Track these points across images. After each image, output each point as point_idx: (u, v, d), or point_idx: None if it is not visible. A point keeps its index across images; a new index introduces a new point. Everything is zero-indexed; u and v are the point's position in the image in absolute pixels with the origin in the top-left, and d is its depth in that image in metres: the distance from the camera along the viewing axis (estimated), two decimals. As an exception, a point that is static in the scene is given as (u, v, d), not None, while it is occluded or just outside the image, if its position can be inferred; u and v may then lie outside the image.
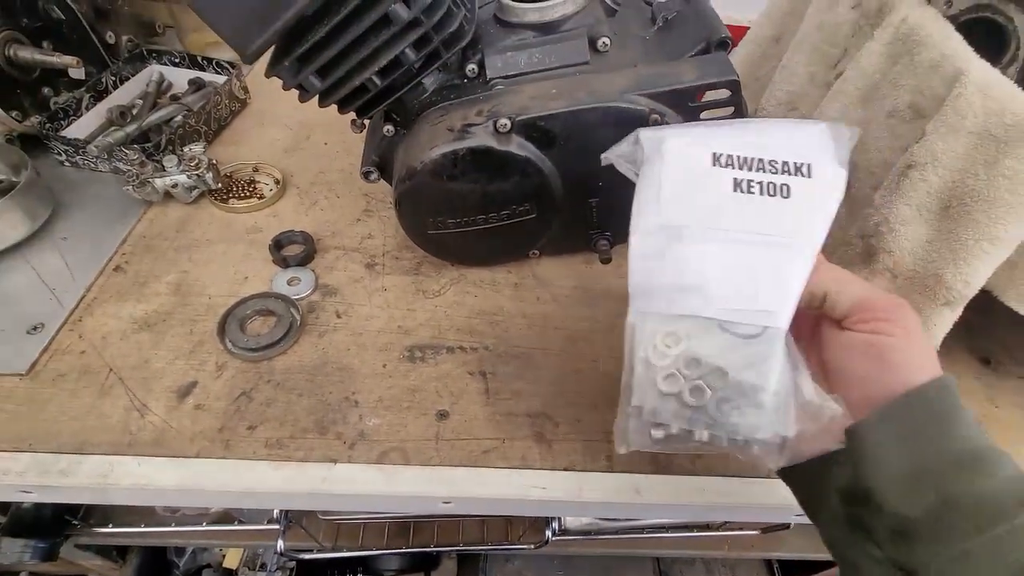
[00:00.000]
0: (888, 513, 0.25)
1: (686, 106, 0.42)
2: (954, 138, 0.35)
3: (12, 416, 0.38)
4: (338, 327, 0.46)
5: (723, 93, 0.41)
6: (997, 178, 0.34)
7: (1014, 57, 0.38)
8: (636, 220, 0.31)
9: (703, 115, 0.43)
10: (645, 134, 0.32)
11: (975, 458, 0.24)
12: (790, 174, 0.30)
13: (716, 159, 0.31)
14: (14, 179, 0.50)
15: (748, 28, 0.60)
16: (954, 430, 0.25)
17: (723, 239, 0.29)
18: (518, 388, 0.43)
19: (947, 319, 0.38)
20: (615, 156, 0.33)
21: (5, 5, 0.51)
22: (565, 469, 0.38)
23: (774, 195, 0.29)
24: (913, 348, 0.27)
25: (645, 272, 0.30)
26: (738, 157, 0.30)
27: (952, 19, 0.39)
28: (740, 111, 0.43)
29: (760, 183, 0.30)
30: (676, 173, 0.31)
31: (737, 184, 0.30)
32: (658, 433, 0.29)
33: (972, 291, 0.36)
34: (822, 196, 0.30)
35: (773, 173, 0.30)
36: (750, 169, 0.30)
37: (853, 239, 0.42)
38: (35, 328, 0.42)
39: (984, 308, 0.40)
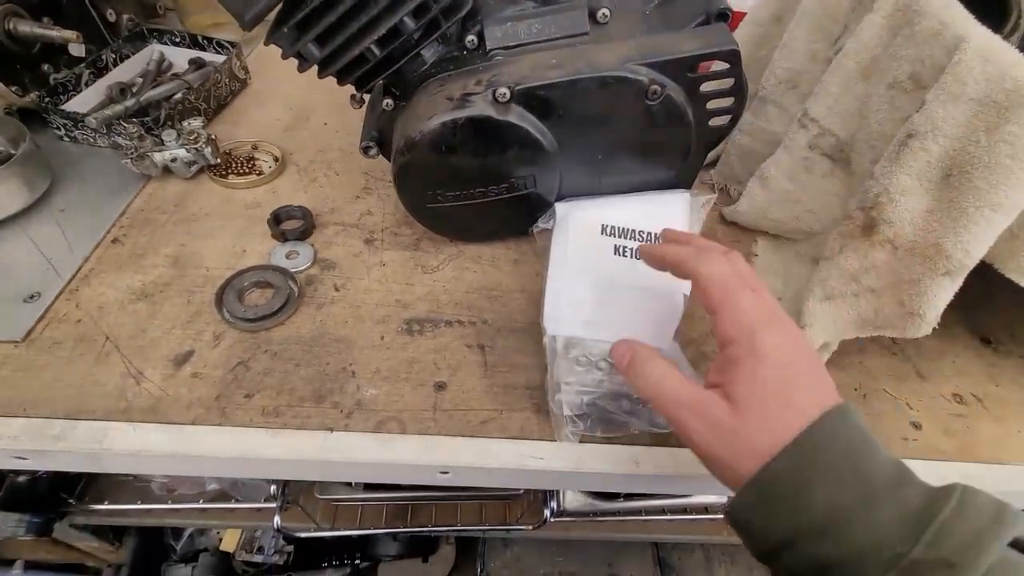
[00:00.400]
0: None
1: (685, 76, 0.41)
2: (954, 105, 0.35)
3: (6, 382, 0.38)
4: (336, 300, 0.45)
5: (722, 65, 0.41)
6: (998, 144, 0.34)
7: (1016, 26, 0.38)
8: (551, 270, 0.43)
9: (703, 87, 0.43)
10: (559, 208, 0.46)
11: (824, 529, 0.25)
12: (652, 242, 0.44)
13: (603, 229, 0.44)
14: (12, 151, 0.50)
15: (745, 13, 0.60)
16: (808, 500, 0.25)
17: (611, 289, 0.42)
18: (517, 361, 0.43)
19: (948, 289, 0.37)
20: (540, 225, 0.47)
21: (5, -21, 0.51)
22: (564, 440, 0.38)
23: (639, 259, 0.39)
24: (744, 416, 0.28)
25: (555, 306, 0.42)
26: (618, 228, 0.44)
27: (953, -11, 0.39)
28: (739, 83, 0.43)
29: (631, 249, 0.44)
30: (575, 239, 0.44)
31: (616, 249, 0.44)
32: (584, 401, 0.38)
33: (973, 260, 0.36)
34: None
35: (640, 241, 0.44)
36: (625, 237, 0.44)
37: (854, 212, 0.42)
38: (31, 297, 0.42)
39: (986, 287, 0.40)
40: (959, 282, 0.37)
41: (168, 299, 0.44)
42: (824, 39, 0.48)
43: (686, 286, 0.42)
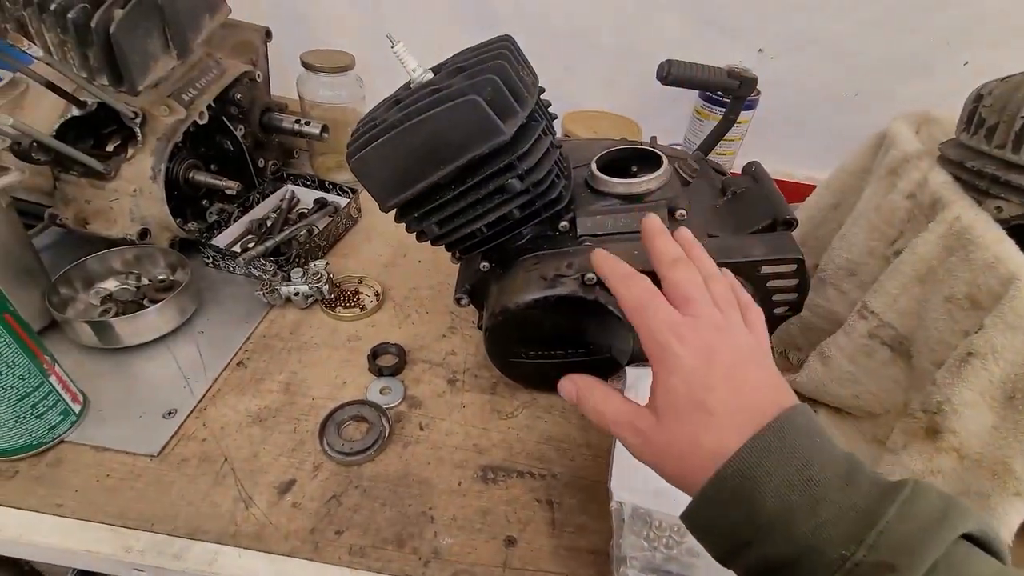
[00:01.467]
0: None
1: (754, 275, 0.47)
2: (1013, 335, 0.38)
3: (140, 495, 0.43)
4: (420, 439, 0.50)
5: (789, 267, 0.47)
6: (1059, 378, 0.36)
7: (1065, 263, 0.41)
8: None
9: (770, 282, 0.48)
10: (630, 372, 0.50)
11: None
12: None
13: None
14: (172, 278, 0.60)
15: (814, 186, 0.66)
16: (759, 501, 0.27)
17: None
18: (582, 522, 0.45)
19: (1020, 510, 0.38)
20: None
21: (194, 140, 0.65)
22: (627, 615, 0.39)
23: None
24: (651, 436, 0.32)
25: (623, 472, 0.44)
26: None
27: (1003, 223, 0.43)
28: (803, 285, 0.47)
29: None
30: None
31: None
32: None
33: (1044, 485, 0.37)
34: None
35: None
36: None
37: (917, 413, 0.44)
38: (169, 413, 0.49)
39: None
40: (1032, 504, 0.38)
41: (278, 425, 0.50)
42: (881, 239, 0.53)
43: None
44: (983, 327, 0.40)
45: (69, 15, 0.47)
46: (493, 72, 0.42)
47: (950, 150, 0.49)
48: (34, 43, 0.48)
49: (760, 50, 0.80)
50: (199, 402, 0.50)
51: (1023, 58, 0.70)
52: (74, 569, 0.61)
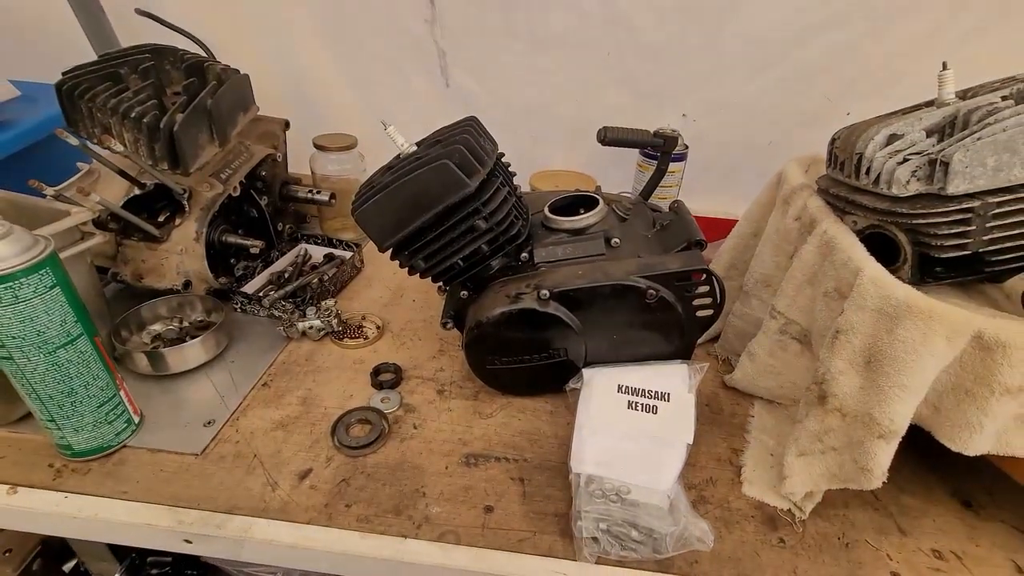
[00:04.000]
0: None
1: (673, 284, 0.59)
2: (862, 313, 0.50)
3: (188, 485, 0.54)
4: (414, 435, 0.60)
5: (700, 276, 0.59)
6: (895, 342, 0.47)
7: (905, 259, 0.53)
8: (578, 421, 0.57)
9: (686, 293, 0.60)
10: (586, 372, 0.61)
11: None
12: (658, 399, 0.59)
13: (620, 388, 0.59)
14: (208, 319, 0.73)
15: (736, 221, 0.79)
16: None
17: (623, 438, 0.56)
18: (548, 493, 0.55)
19: (885, 450, 0.48)
20: (571, 385, 0.62)
21: (227, 209, 0.79)
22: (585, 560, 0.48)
23: (648, 412, 0.58)
24: None
25: (580, 450, 0.55)
26: (631, 387, 0.60)
27: (858, 233, 0.56)
28: (714, 288, 0.60)
29: (642, 404, 0.58)
30: (598, 396, 0.59)
31: (630, 404, 0.58)
32: (600, 527, 0.49)
33: (898, 427, 0.47)
34: (677, 412, 0.57)
35: (649, 398, 0.59)
36: (637, 395, 0.59)
37: (811, 385, 0.54)
38: (209, 423, 0.60)
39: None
40: (894, 444, 0.48)
41: (297, 429, 0.60)
42: (783, 255, 0.66)
43: (689, 436, 0.55)
44: (844, 310, 0.51)
45: (144, 120, 0.63)
46: (460, 143, 0.57)
47: (822, 181, 0.63)
48: (117, 141, 0.63)
49: (684, 115, 0.98)
50: (232, 414, 0.61)
51: (887, 107, 0.87)
52: (122, 568, 0.69)
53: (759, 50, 0.91)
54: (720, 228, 0.90)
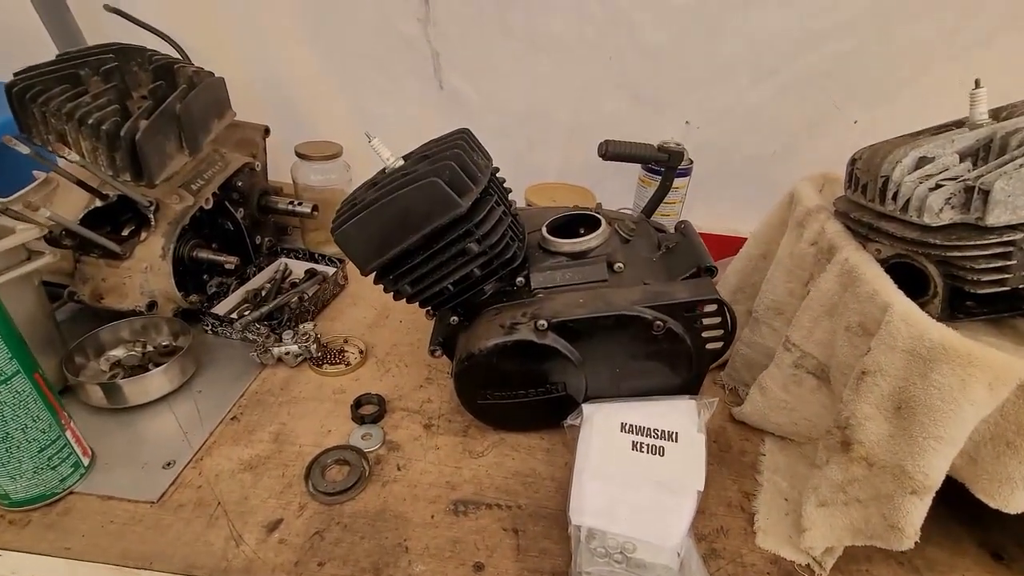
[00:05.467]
0: None
1: (682, 315, 0.54)
2: (892, 353, 0.45)
3: (140, 537, 0.48)
4: (397, 478, 0.55)
5: (711, 307, 0.54)
6: (930, 388, 0.43)
7: (935, 292, 0.49)
8: (578, 464, 0.52)
9: (698, 321, 0.55)
10: (586, 408, 0.56)
11: None
12: (665, 439, 0.53)
13: (623, 427, 0.54)
14: (175, 343, 0.67)
15: (745, 239, 0.75)
16: None
17: (627, 484, 0.50)
18: (545, 547, 0.49)
19: (918, 507, 0.43)
20: (570, 421, 0.56)
21: (199, 222, 0.73)
22: (584, 628, 0.43)
23: (654, 454, 0.52)
24: None
25: (580, 498, 0.50)
26: (636, 426, 0.54)
27: (882, 262, 0.51)
28: (726, 319, 0.55)
29: (647, 445, 0.53)
30: (599, 435, 0.54)
31: (634, 445, 0.53)
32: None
33: (933, 482, 0.43)
34: (686, 454, 0.52)
35: (655, 438, 0.53)
36: (642, 435, 0.54)
37: (833, 429, 0.50)
38: (168, 464, 0.54)
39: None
40: (927, 500, 0.43)
41: (268, 471, 0.54)
42: (797, 281, 0.61)
43: (700, 483, 0.50)
44: (870, 349, 0.47)
45: (103, 127, 0.57)
46: (450, 158, 0.52)
47: (840, 204, 0.59)
48: (72, 150, 0.57)
49: (687, 122, 0.94)
50: (196, 453, 0.55)
51: (895, 116, 0.84)
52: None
53: (763, 54, 0.87)
54: (725, 247, 0.85)
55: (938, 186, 0.47)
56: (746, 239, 0.74)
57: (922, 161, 0.49)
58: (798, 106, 0.90)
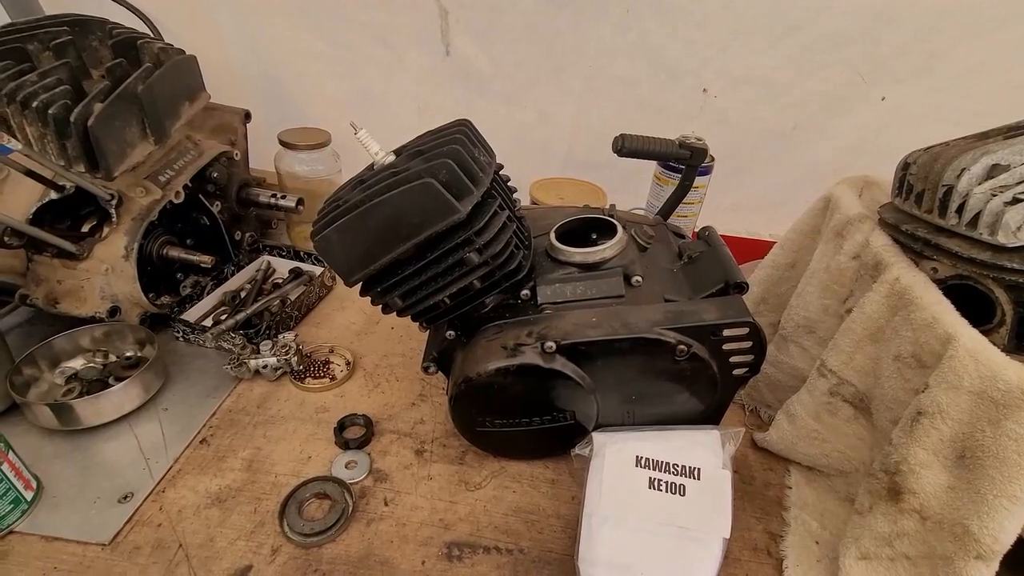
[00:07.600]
0: None
1: (708, 339, 0.48)
2: (956, 394, 0.39)
3: (88, 587, 0.42)
4: (384, 516, 0.49)
5: (741, 330, 0.48)
6: (1003, 438, 0.37)
7: (1001, 321, 0.43)
8: (587, 502, 0.46)
9: (725, 345, 0.49)
10: (596, 437, 0.49)
11: None
12: (686, 476, 0.46)
13: (638, 461, 0.47)
14: (139, 354, 0.60)
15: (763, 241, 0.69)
16: None
17: (643, 530, 0.44)
18: (550, 600, 0.44)
19: (984, 573, 0.38)
20: (578, 451, 0.50)
21: (170, 217, 0.66)
22: None
23: (674, 493, 0.45)
24: None
25: (589, 546, 0.44)
26: (652, 460, 0.47)
27: (939, 283, 0.45)
28: (757, 344, 0.49)
29: (666, 483, 0.46)
30: (611, 470, 0.47)
31: (651, 482, 0.46)
32: None
33: (1002, 547, 0.37)
34: (710, 493, 0.46)
35: (674, 475, 0.46)
36: (660, 471, 0.47)
37: (879, 473, 0.44)
38: (125, 497, 0.48)
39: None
40: (994, 567, 0.38)
41: (238, 505, 0.48)
42: (833, 298, 0.55)
43: (725, 529, 0.44)
44: (928, 386, 0.41)
45: (50, 111, 0.50)
46: (448, 156, 0.45)
47: (888, 213, 0.52)
48: (15, 136, 0.50)
49: (704, 90, 0.86)
50: (157, 484, 0.49)
51: (927, 94, 0.76)
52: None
53: (786, 9, 0.80)
54: (747, 250, 0.79)
55: (1015, 200, 0.40)
56: (770, 243, 0.68)
57: (995, 169, 0.42)
58: (818, 74, 0.83)
